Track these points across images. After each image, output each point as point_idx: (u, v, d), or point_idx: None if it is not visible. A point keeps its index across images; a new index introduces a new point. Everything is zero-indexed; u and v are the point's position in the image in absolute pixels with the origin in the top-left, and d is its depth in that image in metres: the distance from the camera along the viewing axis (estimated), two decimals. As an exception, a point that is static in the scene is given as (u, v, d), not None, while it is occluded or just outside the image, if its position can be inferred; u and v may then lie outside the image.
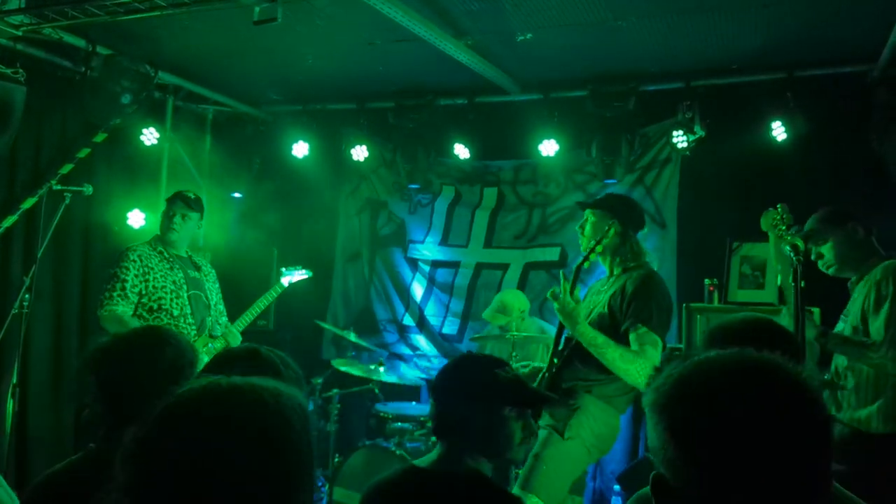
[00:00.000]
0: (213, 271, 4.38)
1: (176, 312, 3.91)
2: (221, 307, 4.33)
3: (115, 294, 3.84)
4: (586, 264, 3.26)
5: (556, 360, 3.22)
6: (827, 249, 3.18)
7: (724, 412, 0.97)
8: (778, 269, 3.09)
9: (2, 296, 4.53)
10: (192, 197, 4.21)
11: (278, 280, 4.58)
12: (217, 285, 4.34)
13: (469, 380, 2.05)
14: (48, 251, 4.46)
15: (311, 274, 4.84)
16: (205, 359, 3.72)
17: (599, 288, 3.42)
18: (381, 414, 4.79)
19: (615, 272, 3.31)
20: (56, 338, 4.78)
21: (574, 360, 3.17)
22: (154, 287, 3.91)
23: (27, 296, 4.00)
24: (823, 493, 0.97)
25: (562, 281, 3.17)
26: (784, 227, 2.96)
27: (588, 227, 3.35)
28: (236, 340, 4.05)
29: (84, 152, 4.95)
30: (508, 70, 4.96)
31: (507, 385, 2.03)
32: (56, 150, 4.89)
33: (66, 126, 4.95)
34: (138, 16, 3.36)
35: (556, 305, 3.13)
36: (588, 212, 3.39)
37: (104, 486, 1.62)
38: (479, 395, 2.00)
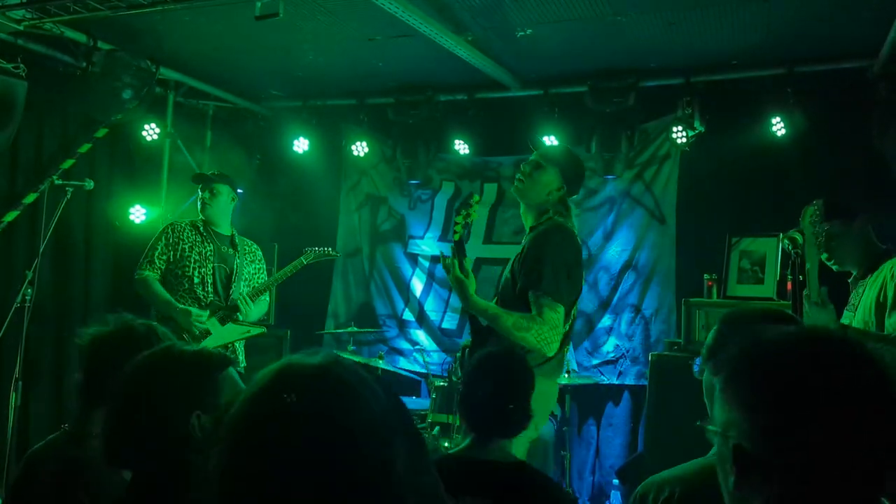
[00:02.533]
0: (258, 254, 4.57)
1: (196, 280, 4.17)
2: (255, 284, 4.46)
3: (145, 262, 4.22)
4: (456, 237, 3.03)
5: (474, 337, 3.06)
6: (832, 244, 3.05)
7: (806, 376, 0.98)
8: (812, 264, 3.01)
9: (4, 290, 4.55)
10: (215, 174, 4.43)
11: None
12: (255, 266, 4.51)
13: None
14: (50, 246, 4.48)
15: (338, 254, 5.02)
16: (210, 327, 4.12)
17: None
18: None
19: (527, 227, 3.12)
20: (58, 332, 4.80)
21: (493, 336, 2.96)
22: (181, 256, 4.20)
23: (29, 290, 4.02)
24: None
25: (449, 255, 3.00)
26: (819, 222, 2.91)
27: (535, 178, 3.06)
28: (246, 309, 4.24)
29: (85, 147, 4.96)
30: (508, 66, 4.97)
31: None
32: (57, 146, 4.91)
33: (67, 121, 4.97)
34: (140, 11, 3.37)
35: (449, 278, 2.97)
36: (538, 156, 3.12)
37: (78, 463, 1.68)
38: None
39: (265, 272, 4.59)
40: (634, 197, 5.44)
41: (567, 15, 4.05)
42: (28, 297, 4.01)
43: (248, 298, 4.27)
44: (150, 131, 5.32)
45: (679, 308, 4.76)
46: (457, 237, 3.05)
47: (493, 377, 2.18)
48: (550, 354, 2.87)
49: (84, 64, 4.54)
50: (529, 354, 2.86)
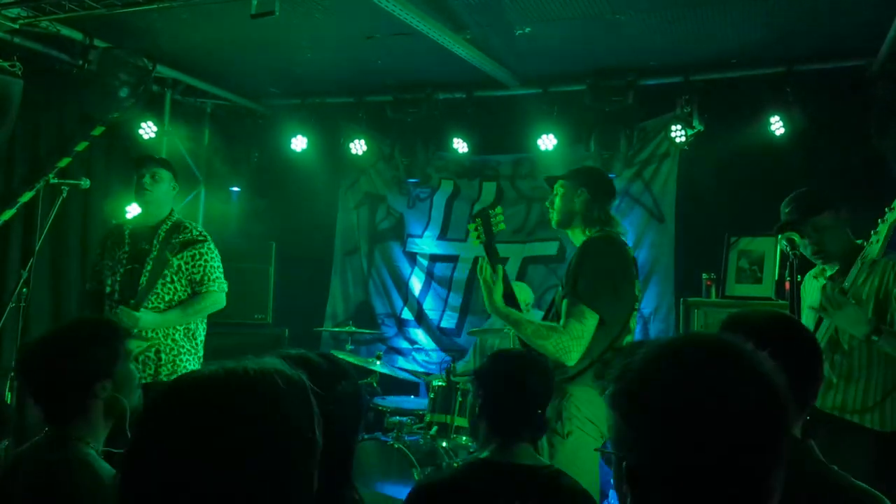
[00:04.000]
0: (198, 248, 3.78)
1: (107, 290, 3.73)
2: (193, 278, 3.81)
3: (90, 273, 3.97)
4: (477, 242, 3.08)
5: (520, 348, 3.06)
6: (821, 237, 2.89)
7: (680, 395, 0.97)
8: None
9: (0, 289, 4.54)
10: (159, 158, 3.91)
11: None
12: (187, 260, 3.73)
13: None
14: (46, 244, 4.47)
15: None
16: None
17: None
18: (380, 407, 4.79)
19: (576, 245, 3.11)
20: (54, 331, 4.78)
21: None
22: (101, 267, 3.83)
23: (25, 289, 4.00)
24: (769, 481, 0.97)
25: (494, 260, 3.02)
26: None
27: (557, 200, 3.14)
28: (130, 319, 3.51)
29: (82, 146, 4.95)
30: (507, 64, 4.95)
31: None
32: (54, 144, 4.89)
33: (63, 119, 4.95)
34: (135, 9, 3.35)
35: (480, 280, 2.99)
36: (557, 185, 3.18)
37: (56, 467, 1.73)
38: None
39: (210, 265, 3.81)
40: (633, 196, 5.43)
41: (566, 13, 4.03)
42: (24, 297, 3.99)
43: (128, 311, 3.55)
44: (148, 129, 5.30)
45: (677, 307, 4.76)
46: (476, 243, 3.08)
47: (520, 381, 2.16)
48: (569, 364, 2.83)
49: (80, 62, 4.52)
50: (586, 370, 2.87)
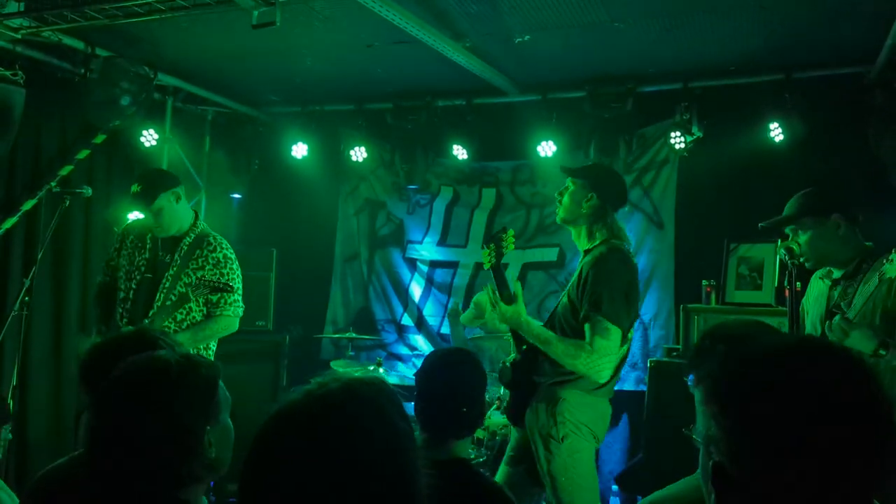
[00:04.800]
0: (217, 256, 3.67)
1: (121, 294, 3.66)
2: (192, 296, 3.64)
3: (102, 266, 3.90)
4: (488, 264, 3.09)
5: (517, 355, 3.10)
6: (804, 242, 2.87)
7: (791, 399, 0.93)
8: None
9: (1, 297, 4.55)
10: (138, 190, 3.57)
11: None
12: (207, 270, 3.64)
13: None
14: (48, 253, 4.48)
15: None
16: None
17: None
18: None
19: (581, 252, 3.13)
20: (56, 340, 4.79)
21: (538, 353, 3.01)
22: (117, 264, 3.76)
23: (27, 297, 4.00)
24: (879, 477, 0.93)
25: (488, 289, 3.07)
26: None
27: (566, 198, 3.12)
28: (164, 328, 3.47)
29: (83, 154, 4.96)
30: (506, 71, 4.97)
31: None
32: (55, 152, 4.90)
33: (65, 128, 4.96)
34: (137, 19, 3.37)
35: (495, 315, 3.03)
36: (569, 180, 3.15)
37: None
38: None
39: (229, 275, 3.70)
40: (633, 202, 5.43)
41: (565, 21, 4.05)
42: (26, 305, 4.00)
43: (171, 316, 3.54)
44: (149, 137, 5.31)
45: (677, 314, 4.77)
46: (486, 266, 3.10)
47: (447, 379, 2.22)
48: (602, 381, 2.91)
49: (82, 70, 4.53)
50: (583, 379, 2.92)
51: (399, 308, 6.06)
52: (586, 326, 2.86)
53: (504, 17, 4.03)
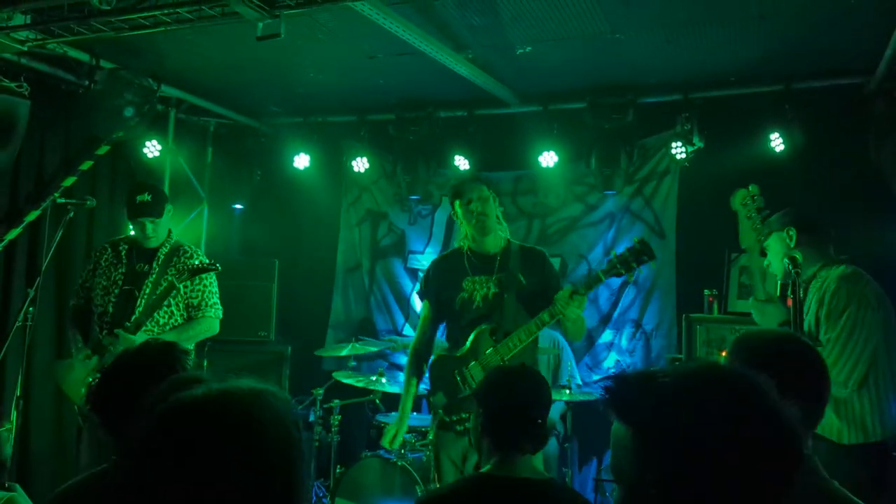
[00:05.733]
0: (186, 262, 3.78)
1: (99, 310, 3.76)
2: (191, 302, 3.84)
3: (76, 289, 3.99)
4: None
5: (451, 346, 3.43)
6: (768, 251, 3.13)
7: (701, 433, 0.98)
8: (746, 247, 3.09)
9: (5, 308, 4.55)
10: (149, 199, 3.77)
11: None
12: (187, 282, 3.75)
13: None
14: (51, 264, 4.48)
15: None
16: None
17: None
18: (383, 424, 4.78)
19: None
20: (59, 350, 4.79)
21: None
22: (92, 284, 3.87)
23: (31, 309, 4.01)
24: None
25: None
26: (753, 208, 3.01)
27: (494, 212, 3.56)
28: (127, 342, 3.48)
29: (87, 165, 4.98)
30: (508, 82, 5.00)
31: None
32: (59, 163, 4.92)
33: (69, 139, 4.99)
34: (143, 32, 3.40)
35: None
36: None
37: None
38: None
39: (209, 290, 3.85)
40: (634, 212, 5.47)
41: (566, 33, 4.08)
42: (30, 316, 4.01)
43: (127, 335, 3.56)
44: (152, 148, 5.34)
45: (679, 324, 4.77)
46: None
47: (521, 392, 2.21)
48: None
49: (86, 82, 4.56)
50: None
51: (400, 318, 6.07)
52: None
53: (506, 28, 4.06)
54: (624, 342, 5.40)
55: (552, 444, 4.64)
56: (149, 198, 3.76)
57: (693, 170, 5.07)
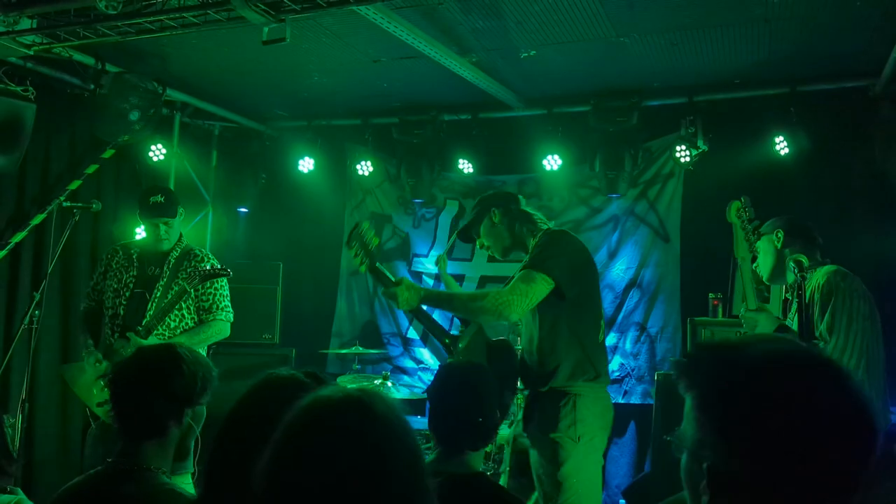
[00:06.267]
0: (197, 266, 3.74)
1: (110, 312, 3.74)
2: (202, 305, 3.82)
3: (87, 291, 3.98)
4: (364, 268, 3.07)
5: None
6: (758, 253, 3.19)
7: (786, 402, 0.97)
8: (740, 258, 3.11)
9: (10, 311, 4.56)
10: (162, 200, 3.77)
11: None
12: (182, 284, 3.68)
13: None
14: (57, 267, 4.50)
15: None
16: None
17: None
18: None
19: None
20: (64, 353, 4.80)
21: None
22: (103, 287, 3.85)
23: (36, 311, 4.02)
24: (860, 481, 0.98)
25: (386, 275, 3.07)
26: (746, 219, 3.06)
27: (487, 241, 3.17)
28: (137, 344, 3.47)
29: (92, 168, 5.00)
30: (512, 86, 5.01)
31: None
32: (65, 167, 4.94)
33: (74, 142, 5.01)
34: (149, 36, 3.41)
35: (404, 307, 2.99)
36: (475, 232, 3.21)
37: (138, 500, 1.65)
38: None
39: (220, 293, 3.85)
40: (638, 215, 5.46)
41: (570, 37, 4.09)
42: (35, 319, 4.02)
43: (137, 339, 3.53)
44: (157, 151, 5.35)
45: (684, 328, 4.77)
46: (362, 269, 3.08)
47: (462, 390, 2.24)
48: (512, 319, 2.82)
49: (92, 86, 4.57)
50: (582, 374, 2.85)
51: (404, 321, 6.07)
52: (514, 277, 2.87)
53: (510, 32, 4.06)
54: (628, 345, 5.39)
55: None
56: (162, 199, 3.76)
57: (698, 173, 5.07)
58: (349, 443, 1.02)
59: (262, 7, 2.93)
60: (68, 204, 4.24)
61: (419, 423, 4.87)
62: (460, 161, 5.55)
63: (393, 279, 3.01)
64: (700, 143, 4.89)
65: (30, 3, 3.15)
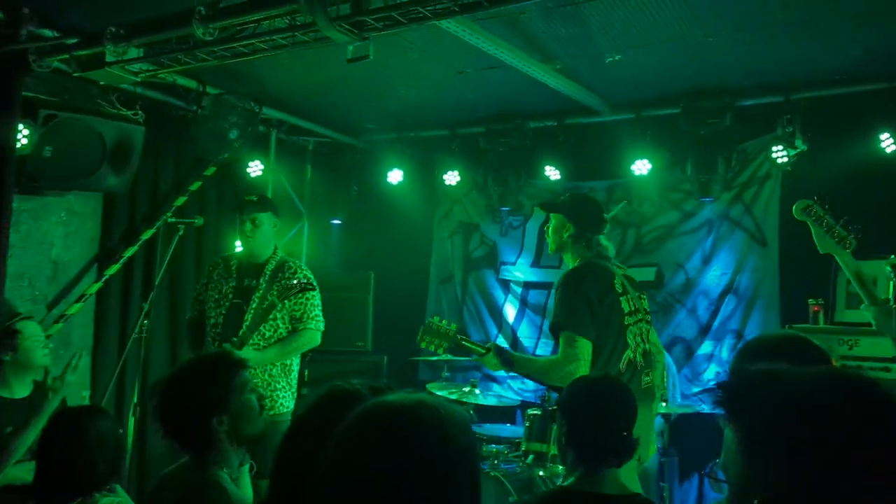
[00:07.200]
0: (300, 281, 3.86)
1: (211, 321, 3.93)
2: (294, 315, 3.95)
3: (191, 301, 4.22)
4: (443, 351, 3.63)
5: None
6: None
7: (839, 432, 0.93)
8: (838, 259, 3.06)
9: (124, 321, 4.88)
10: (254, 200, 4.03)
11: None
12: (291, 297, 3.83)
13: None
14: (164, 279, 4.79)
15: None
16: None
17: None
18: (477, 435, 4.82)
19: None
20: (172, 360, 5.08)
21: None
22: (205, 297, 4.05)
23: (145, 321, 4.29)
24: None
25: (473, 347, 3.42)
26: (819, 213, 3.06)
27: (550, 230, 3.47)
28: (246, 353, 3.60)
29: (196, 185, 5.30)
30: (598, 91, 4.96)
31: None
32: (171, 185, 5.26)
33: (179, 161, 5.32)
34: (243, 59, 3.59)
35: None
36: (550, 214, 3.50)
37: (195, 486, 1.92)
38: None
39: (311, 303, 3.98)
40: (733, 219, 5.29)
41: (655, 39, 4.02)
42: (144, 328, 4.29)
43: (260, 339, 3.74)
44: (255, 168, 5.62)
45: (783, 335, 4.56)
46: (441, 353, 3.64)
47: (602, 406, 2.20)
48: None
49: (195, 107, 4.84)
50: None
51: (493, 329, 6.09)
52: (559, 338, 3.14)
53: (594, 37, 4.03)
54: (725, 353, 5.21)
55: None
56: (255, 198, 4.05)
57: (796, 174, 4.85)
58: (391, 449, 1.05)
59: (346, 27, 3.03)
60: (173, 220, 4.52)
61: (508, 431, 4.87)
62: (547, 168, 5.54)
63: (480, 349, 3.38)
64: (798, 142, 4.68)
65: (136, 34, 3.38)
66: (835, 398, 0.96)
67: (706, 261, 5.35)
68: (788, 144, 4.70)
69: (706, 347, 5.27)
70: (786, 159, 4.74)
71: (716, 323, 5.27)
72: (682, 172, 5.17)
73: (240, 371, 2.13)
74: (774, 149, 4.77)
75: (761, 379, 1.02)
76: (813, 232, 3.04)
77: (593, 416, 2.17)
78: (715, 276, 5.31)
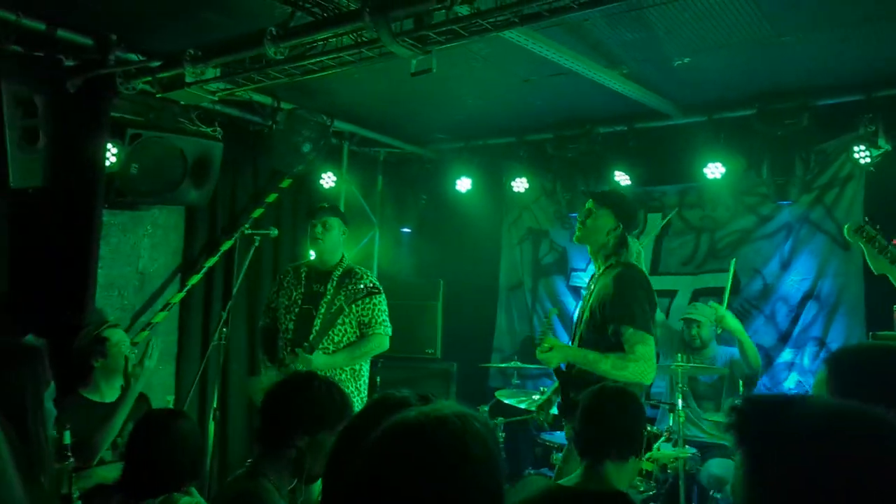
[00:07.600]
0: (367, 287, 4.00)
1: (282, 328, 4.06)
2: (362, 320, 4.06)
3: (264, 309, 4.37)
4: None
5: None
6: None
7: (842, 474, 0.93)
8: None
9: (206, 328, 5.10)
10: (325, 206, 4.25)
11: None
12: (357, 302, 3.99)
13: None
14: (242, 288, 4.98)
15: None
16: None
17: (590, 286, 3.57)
18: (547, 443, 4.82)
19: (600, 269, 3.46)
20: (250, 366, 5.27)
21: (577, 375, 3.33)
22: (277, 305, 4.18)
23: (224, 329, 4.47)
24: None
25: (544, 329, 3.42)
26: (869, 234, 3.04)
27: (590, 222, 3.43)
28: (305, 362, 3.74)
29: (272, 197, 5.50)
30: (668, 94, 4.88)
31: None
32: (249, 197, 5.47)
33: (256, 175, 5.53)
34: (313, 76, 3.72)
35: (538, 353, 3.35)
36: (592, 203, 3.46)
37: (246, 495, 2.00)
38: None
39: (379, 308, 4.08)
40: (814, 222, 5.10)
41: (725, 40, 3.93)
42: (224, 335, 4.47)
43: (304, 355, 3.75)
44: (328, 179, 5.78)
45: (868, 343, 4.37)
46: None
47: (607, 401, 2.36)
48: (648, 383, 3.26)
49: (270, 122, 5.03)
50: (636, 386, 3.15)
51: (564, 337, 6.04)
52: (625, 337, 3.17)
53: (661, 41, 3.98)
54: (806, 362, 5.03)
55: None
56: (326, 205, 4.26)
57: (880, 174, 4.65)
58: (404, 467, 1.09)
59: (410, 41, 3.11)
60: (250, 231, 4.70)
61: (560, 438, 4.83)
62: (616, 173, 5.47)
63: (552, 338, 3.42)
64: (881, 141, 4.48)
65: (213, 55, 3.56)
66: (841, 436, 0.95)
67: (785, 266, 5.18)
68: (871, 144, 4.51)
69: (786, 355, 5.10)
70: (868, 159, 4.55)
71: (796, 330, 5.09)
72: (757, 175, 5.03)
73: (346, 420, 2.15)
74: (856, 149, 4.59)
75: (774, 407, 1.02)
76: (865, 252, 2.97)
77: (589, 420, 2.35)
78: (795, 282, 5.13)
